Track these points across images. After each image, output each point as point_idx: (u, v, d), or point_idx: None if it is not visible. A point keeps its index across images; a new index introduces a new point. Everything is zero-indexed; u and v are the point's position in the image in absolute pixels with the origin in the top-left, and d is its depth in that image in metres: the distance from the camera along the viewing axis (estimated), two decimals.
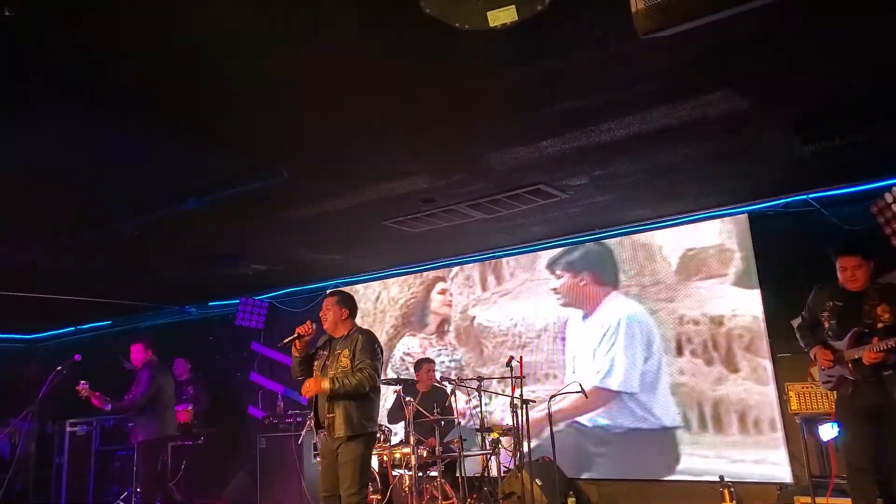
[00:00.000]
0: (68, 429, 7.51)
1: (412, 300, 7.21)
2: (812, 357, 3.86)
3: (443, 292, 7.04)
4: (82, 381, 5.62)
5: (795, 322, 4.05)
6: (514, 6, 2.06)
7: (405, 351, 7.10)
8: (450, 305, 6.98)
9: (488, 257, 6.72)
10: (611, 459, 5.78)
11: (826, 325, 3.78)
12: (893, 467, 3.56)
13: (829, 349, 3.72)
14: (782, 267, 5.08)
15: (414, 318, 7.21)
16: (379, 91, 3.10)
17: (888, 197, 4.61)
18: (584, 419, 5.96)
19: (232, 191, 4.25)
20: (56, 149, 3.57)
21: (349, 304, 4.15)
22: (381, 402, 5.57)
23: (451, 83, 3.07)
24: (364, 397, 3.93)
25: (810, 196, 5.05)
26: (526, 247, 6.46)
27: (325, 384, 3.85)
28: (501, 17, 2.10)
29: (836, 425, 3.92)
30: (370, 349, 3.94)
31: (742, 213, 5.42)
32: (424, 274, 7.17)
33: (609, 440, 5.81)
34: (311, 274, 7.24)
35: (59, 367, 6.00)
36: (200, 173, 4.06)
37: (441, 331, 6.99)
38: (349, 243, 6.01)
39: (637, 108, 3.44)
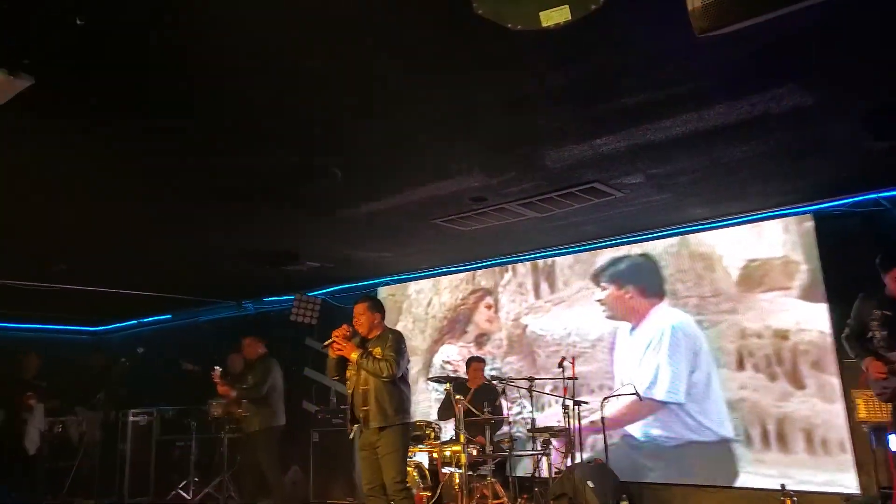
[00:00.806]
0: (131, 418, 7.86)
1: (462, 306, 7.23)
2: (864, 368, 3.76)
3: (489, 307, 7.04)
4: (216, 367, 5.98)
5: (843, 333, 3.95)
6: (567, 6, 2.03)
7: (444, 359, 7.14)
8: (491, 321, 6.98)
9: (540, 256, 6.67)
10: (666, 469, 5.66)
11: (877, 336, 3.69)
12: None
13: (881, 360, 3.62)
14: (850, 275, 4.79)
15: (458, 325, 7.23)
16: (430, 90, 3.12)
17: None
18: (636, 431, 5.85)
19: (289, 190, 4.38)
20: (129, 153, 3.74)
21: (380, 309, 4.48)
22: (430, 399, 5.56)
23: (505, 81, 3.06)
24: (394, 390, 4.16)
25: (882, 195, 4.83)
26: (579, 246, 6.40)
27: (354, 355, 4.16)
28: (555, 17, 2.07)
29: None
30: (397, 346, 4.24)
31: (806, 212, 5.22)
32: (475, 282, 7.17)
33: (662, 454, 5.68)
34: (362, 271, 7.35)
35: (122, 359, 6.29)
36: (258, 173, 4.18)
37: (479, 341, 6.99)
38: (399, 241, 6.08)
39: (695, 105, 3.36)
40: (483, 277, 7.11)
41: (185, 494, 7.32)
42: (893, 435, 4.09)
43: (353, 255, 6.54)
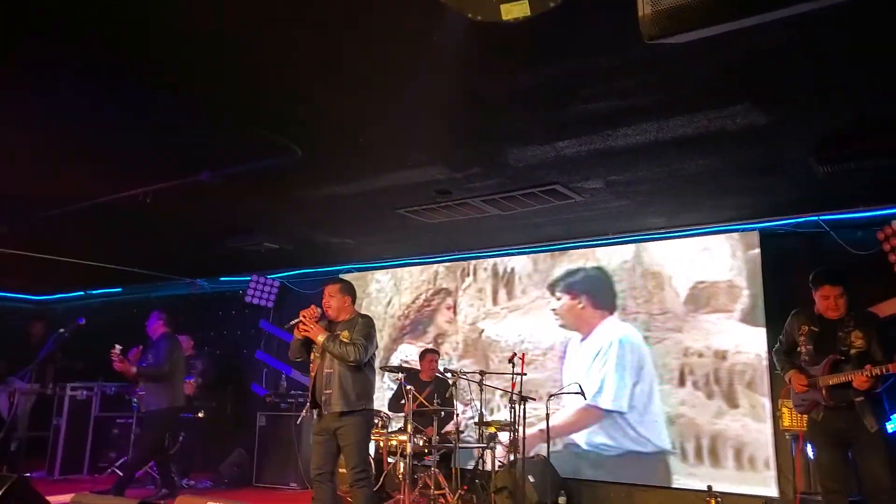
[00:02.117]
0: (69, 392, 7.62)
1: (426, 307, 7.27)
2: (787, 381, 3.94)
3: (450, 308, 7.10)
4: (117, 346, 5.71)
5: (774, 347, 4.13)
6: (526, 1, 2.09)
7: (402, 358, 7.18)
8: (450, 322, 7.05)
9: (502, 254, 6.77)
10: (605, 476, 5.84)
11: (802, 350, 3.86)
12: (865, 488, 3.65)
13: (804, 374, 3.81)
14: (788, 297, 4.93)
15: (420, 325, 7.28)
16: (399, 79, 3.14)
17: (895, 224, 4.64)
18: (580, 440, 6.01)
19: (246, 166, 4.33)
20: (79, 116, 3.65)
21: (352, 292, 4.34)
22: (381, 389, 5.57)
23: (473, 77, 3.12)
24: (358, 375, 4.06)
25: (821, 218, 5.08)
26: (539, 247, 6.52)
27: (321, 337, 4.04)
28: (514, 10, 2.11)
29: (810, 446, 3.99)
30: (366, 331, 4.13)
31: (755, 229, 5.45)
32: (437, 283, 7.21)
33: (603, 462, 5.86)
34: (323, 256, 7.32)
35: (61, 330, 6.08)
36: (216, 146, 4.12)
37: (437, 342, 7.05)
38: (362, 228, 6.09)
39: (655, 116, 3.48)
40: (445, 280, 7.18)
41: (120, 473, 7.15)
42: (811, 445, 4.33)
43: (314, 239, 6.50)
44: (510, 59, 2.92)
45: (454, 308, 7.04)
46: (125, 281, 8.81)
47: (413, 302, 7.36)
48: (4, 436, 7.15)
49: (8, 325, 8.75)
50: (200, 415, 7.16)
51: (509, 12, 2.08)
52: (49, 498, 5.13)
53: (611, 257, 6.18)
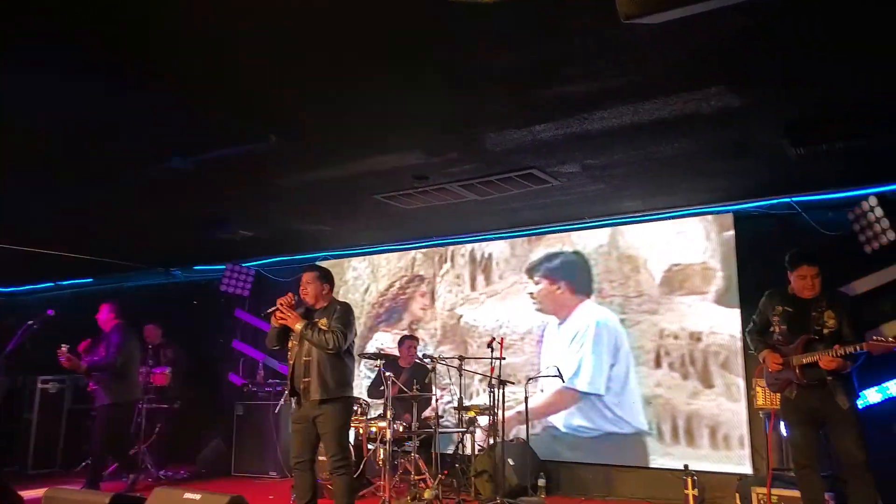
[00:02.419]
0: (39, 385, 7.46)
1: (401, 295, 7.26)
2: (761, 360, 4.01)
3: (423, 295, 7.10)
4: (64, 345, 5.57)
5: (748, 327, 4.19)
6: None
7: (378, 346, 7.16)
8: (425, 310, 7.05)
9: (479, 239, 6.77)
10: (584, 458, 5.91)
11: (776, 330, 3.93)
12: (840, 464, 3.75)
13: (777, 353, 3.87)
14: (762, 278, 4.96)
15: (394, 313, 7.26)
16: (374, 63, 3.10)
17: (865, 205, 4.74)
18: (558, 422, 6.06)
19: (219, 152, 4.24)
20: (46, 100, 3.53)
21: (329, 279, 4.30)
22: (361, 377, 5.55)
23: (449, 60, 3.08)
24: (337, 362, 4.03)
25: (793, 199, 5.16)
26: (516, 231, 6.52)
27: (299, 325, 4.01)
28: None
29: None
30: (345, 318, 4.09)
31: (729, 211, 5.51)
32: (414, 270, 7.19)
33: (581, 444, 5.92)
34: (299, 243, 7.24)
35: (30, 322, 5.94)
36: (188, 132, 4.02)
37: (412, 329, 7.04)
38: (338, 215, 6.02)
39: (630, 99, 3.47)
40: (422, 267, 7.16)
41: None
42: (784, 422, 4.42)
43: (290, 227, 6.43)
44: (487, 40, 2.89)
45: (431, 295, 7.03)
46: (97, 272, 8.63)
47: (388, 289, 7.34)
48: None
49: None
50: (177, 405, 7.08)
51: None
52: (22, 493, 5.07)
53: (587, 241, 6.21)
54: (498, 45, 2.94)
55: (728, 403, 5.33)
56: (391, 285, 7.33)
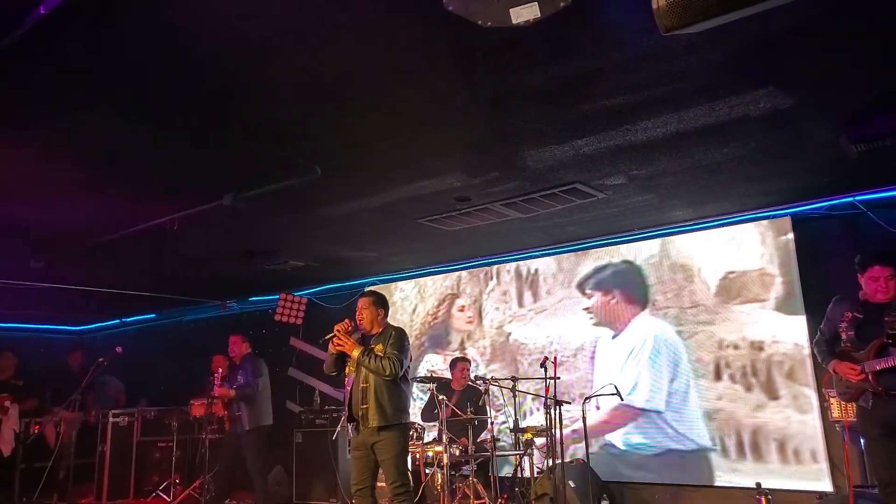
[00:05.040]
0: (111, 419, 7.77)
1: (435, 321, 7.26)
2: (831, 370, 3.75)
3: (462, 309, 7.06)
4: (215, 373, 6.06)
5: (815, 338, 3.95)
6: (536, 3, 2.04)
7: (429, 368, 7.13)
8: (471, 322, 7.00)
9: (526, 257, 6.69)
10: (646, 477, 5.70)
11: (844, 337, 3.70)
12: None
13: (849, 360, 3.63)
14: (826, 283, 4.79)
15: (439, 336, 7.24)
16: (409, 88, 3.12)
17: None
18: (616, 440, 5.89)
19: (267, 188, 4.35)
20: (101, 144, 3.69)
21: (384, 304, 4.33)
22: (415, 401, 5.52)
23: (484, 80, 3.07)
24: (394, 388, 4.04)
25: (856, 198, 4.90)
26: (563, 247, 6.42)
27: (356, 352, 4.03)
28: (524, 13, 2.07)
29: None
30: (399, 344, 4.10)
31: (785, 214, 5.28)
32: (460, 289, 7.17)
33: (643, 462, 5.72)
34: (348, 270, 7.34)
35: (100, 359, 6.20)
36: (236, 170, 4.16)
37: (462, 350, 6.99)
38: (384, 241, 6.08)
39: (675, 107, 3.39)
40: (468, 284, 7.12)
41: (165, 496, 7.25)
42: (861, 435, 4.14)
43: (337, 255, 6.52)
44: (521, 58, 2.87)
45: (479, 312, 6.98)
46: (157, 307, 8.96)
47: (437, 308, 7.32)
48: (52, 464, 7.31)
49: (49, 357, 8.93)
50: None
51: (519, 16, 2.04)
52: None
53: (636, 253, 6.05)
54: (532, 62, 2.91)
55: (797, 415, 5.06)
56: (440, 304, 7.31)
